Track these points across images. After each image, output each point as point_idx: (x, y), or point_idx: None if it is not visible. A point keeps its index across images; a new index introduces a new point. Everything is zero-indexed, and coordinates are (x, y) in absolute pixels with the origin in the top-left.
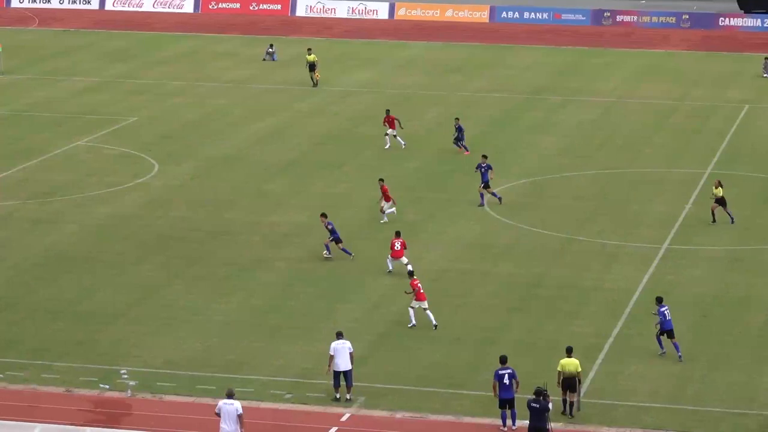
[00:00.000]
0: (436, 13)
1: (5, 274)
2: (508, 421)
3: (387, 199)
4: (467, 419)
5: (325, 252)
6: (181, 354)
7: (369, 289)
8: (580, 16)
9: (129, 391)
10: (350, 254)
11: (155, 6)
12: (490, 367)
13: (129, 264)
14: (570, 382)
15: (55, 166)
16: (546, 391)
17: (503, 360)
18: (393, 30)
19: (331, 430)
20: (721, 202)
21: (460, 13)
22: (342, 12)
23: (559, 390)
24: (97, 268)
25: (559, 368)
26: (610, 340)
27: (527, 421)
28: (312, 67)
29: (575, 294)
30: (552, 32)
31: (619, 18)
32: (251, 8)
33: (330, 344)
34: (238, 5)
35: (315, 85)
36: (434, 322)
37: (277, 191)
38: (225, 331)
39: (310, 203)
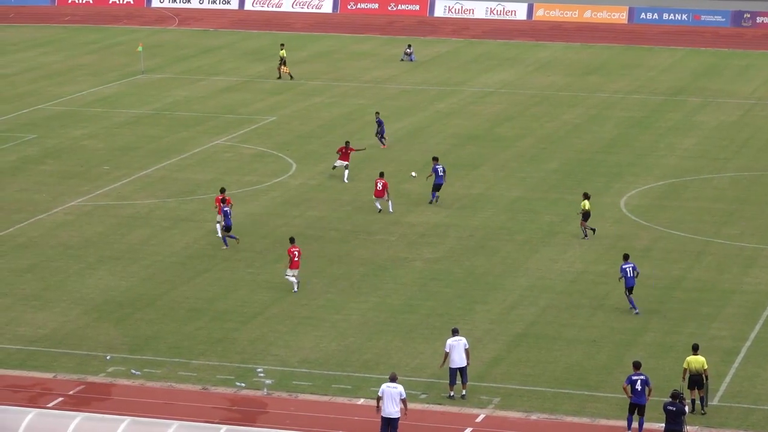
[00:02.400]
0: (575, 14)
1: (145, 272)
2: (634, 424)
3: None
4: (603, 422)
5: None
6: (317, 353)
7: (506, 290)
8: (719, 18)
9: (265, 390)
10: (236, 239)
11: (294, 6)
12: (626, 370)
13: (267, 262)
14: (696, 379)
15: (195, 165)
16: (682, 394)
17: (637, 365)
18: (531, 30)
19: (466, 430)
20: (586, 216)
21: (598, 14)
22: (480, 12)
23: (687, 389)
24: (236, 266)
25: (684, 365)
26: (748, 343)
27: (663, 425)
28: (284, 61)
29: (713, 297)
30: (691, 33)
31: (759, 20)
32: (389, 8)
33: (447, 341)
34: (376, 5)
35: (280, 78)
36: (296, 289)
37: (415, 191)
38: (362, 330)
39: (447, 203)
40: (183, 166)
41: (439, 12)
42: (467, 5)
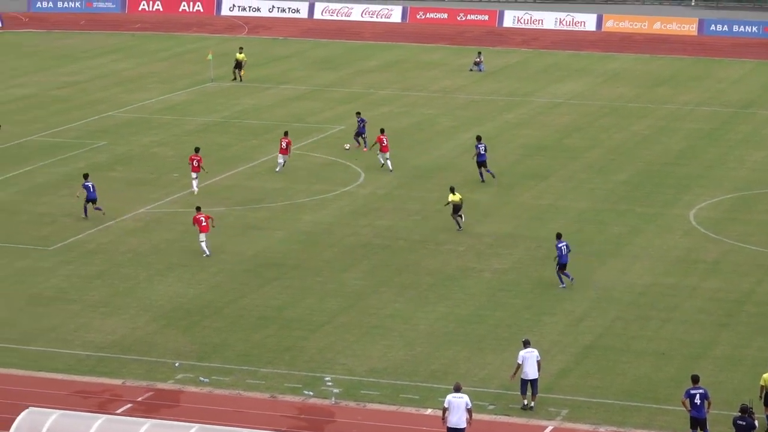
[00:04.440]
0: (644, 26)
1: (214, 280)
2: None
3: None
4: None
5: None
6: (385, 362)
7: (574, 301)
8: None
9: (333, 399)
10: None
11: (363, 15)
12: None
13: (335, 271)
14: None
15: (263, 174)
16: (752, 408)
17: (695, 379)
18: (600, 42)
19: None
20: (456, 209)
21: (668, 26)
22: (549, 23)
23: (762, 406)
24: (304, 275)
25: (761, 382)
26: None
27: None
28: (238, 65)
29: None
30: (761, 46)
31: None
32: (459, 18)
33: (519, 353)
34: (445, 15)
35: (236, 79)
36: (207, 253)
37: (484, 201)
38: (430, 340)
39: (516, 214)
40: (252, 174)
41: (508, 22)
42: (536, 16)
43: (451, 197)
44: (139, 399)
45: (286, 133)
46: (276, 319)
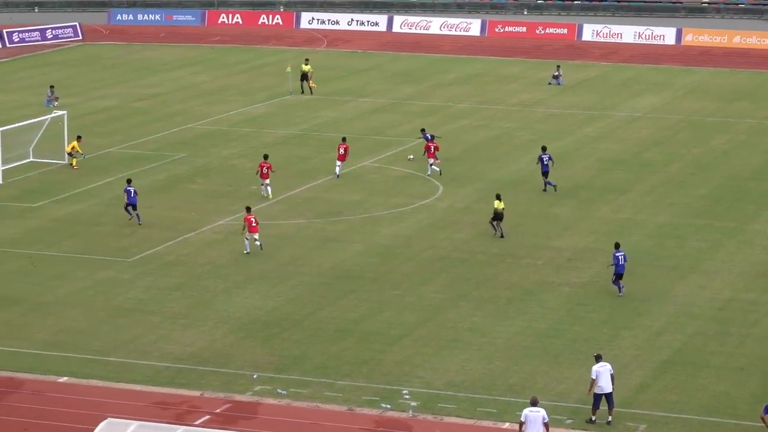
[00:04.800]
0: (724, 39)
1: (293, 292)
2: None
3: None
4: None
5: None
6: (463, 375)
7: (653, 316)
8: None
9: (410, 412)
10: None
11: (442, 29)
12: None
13: (413, 284)
14: None
15: (342, 186)
16: None
17: None
18: (679, 55)
19: None
20: (497, 216)
21: (747, 40)
22: (629, 37)
23: None
24: (382, 288)
25: None
26: None
27: None
28: (305, 77)
29: None
30: None
31: None
32: (537, 32)
33: (592, 368)
34: (524, 29)
35: (295, 92)
36: (259, 248)
37: (563, 215)
38: (508, 354)
39: (594, 228)
40: (330, 186)
41: (587, 36)
42: (615, 29)
43: (495, 204)
44: (217, 411)
45: (344, 139)
46: (354, 332)
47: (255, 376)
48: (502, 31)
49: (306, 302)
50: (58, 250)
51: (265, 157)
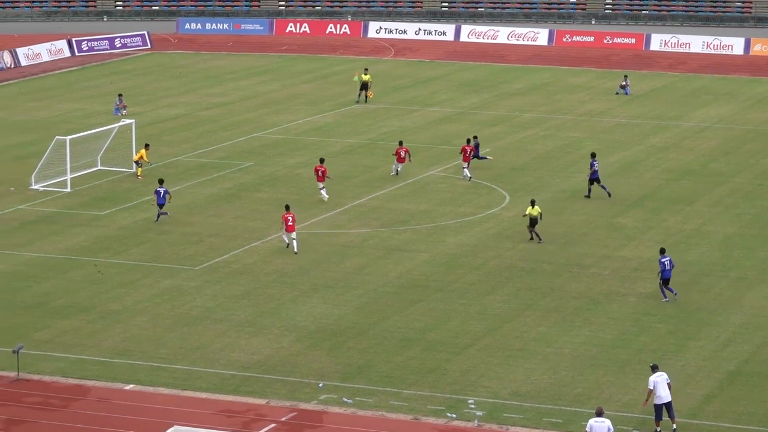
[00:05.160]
0: None
1: (359, 301)
2: None
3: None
4: None
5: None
6: (529, 385)
7: (719, 326)
8: None
9: (476, 421)
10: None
11: (509, 38)
12: None
13: (479, 294)
14: None
15: (408, 195)
16: None
17: None
18: (748, 65)
19: None
20: (533, 222)
21: None
22: (697, 46)
23: None
24: (448, 297)
25: None
26: None
27: None
28: (365, 86)
29: None
30: None
31: None
32: (605, 41)
33: (649, 378)
34: (592, 38)
35: (358, 101)
36: (296, 250)
37: (630, 225)
38: (574, 364)
39: (661, 238)
40: (397, 196)
41: (655, 46)
42: (683, 39)
43: (529, 210)
44: (283, 419)
45: (401, 143)
46: (419, 341)
47: (321, 385)
48: (569, 40)
49: (372, 311)
50: (126, 258)
51: (321, 160)
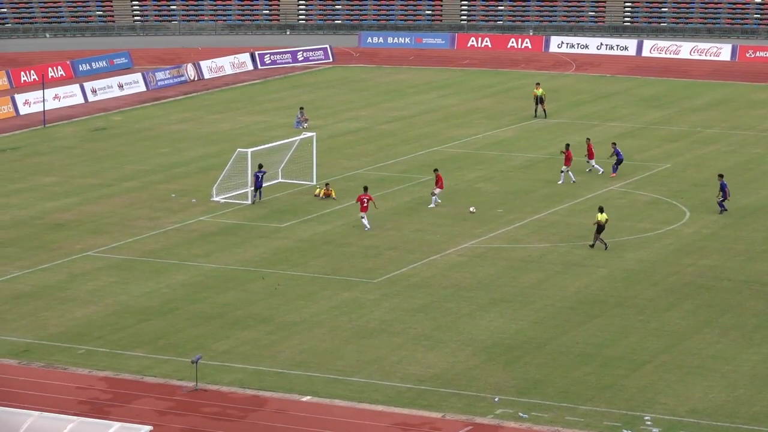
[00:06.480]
0: None
1: (537, 315)
2: None
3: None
4: None
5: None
6: (706, 403)
7: None
8: None
9: None
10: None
11: (692, 53)
12: None
13: (658, 310)
14: None
15: (587, 211)
16: None
17: None
18: None
19: None
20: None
21: None
22: None
23: None
24: (627, 313)
25: None
26: None
27: None
28: (540, 100)
29: None
30: None
31: None
32: None
33: None
34: None
35: (537, 116)
36: (368, 227)
37: None
38: (752, 382)
39: None
40: (576, 211)
41: None
42: None
43: (598, 216)
44: None
45: (567, 146)
46: (597, 357)
47: (496, 399)
48: (753, 56)
49: (549, 326)
50: (305, 270)
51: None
